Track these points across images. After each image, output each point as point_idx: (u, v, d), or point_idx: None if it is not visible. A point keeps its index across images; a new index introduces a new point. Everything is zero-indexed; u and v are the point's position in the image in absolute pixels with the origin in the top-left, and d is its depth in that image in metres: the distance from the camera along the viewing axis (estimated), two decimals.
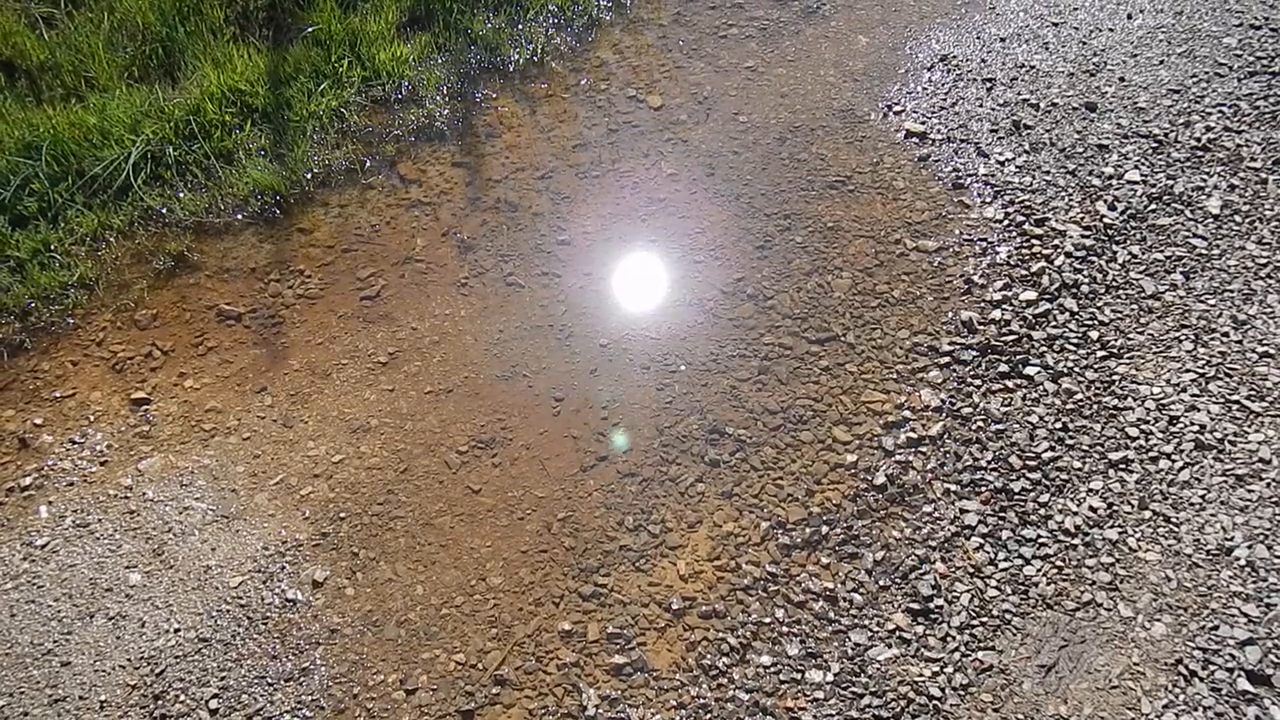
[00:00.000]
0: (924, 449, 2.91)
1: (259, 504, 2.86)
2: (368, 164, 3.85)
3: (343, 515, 2.83)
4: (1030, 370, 3.09)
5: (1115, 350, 3.13)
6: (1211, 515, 2.71)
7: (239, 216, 3.65)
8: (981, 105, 4.03)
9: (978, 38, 4.34)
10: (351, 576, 2.70)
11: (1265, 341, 3.11)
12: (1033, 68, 4.17)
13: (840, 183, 3.74)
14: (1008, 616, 2.55)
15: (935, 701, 2.41)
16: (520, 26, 4.40)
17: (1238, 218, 3.48)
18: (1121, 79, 4.06)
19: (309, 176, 3.77)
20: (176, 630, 2.60)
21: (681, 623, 2.57)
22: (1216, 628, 2.49)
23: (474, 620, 2.60)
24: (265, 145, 3.83)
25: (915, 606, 2.58)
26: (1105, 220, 3.51)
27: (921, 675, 2.46)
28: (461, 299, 3.41)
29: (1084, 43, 4.27)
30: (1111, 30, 4.30)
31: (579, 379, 3.15)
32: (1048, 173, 3.71)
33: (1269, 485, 2.76)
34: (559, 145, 3.95)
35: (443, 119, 4.03)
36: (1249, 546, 2.64)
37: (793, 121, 4.01)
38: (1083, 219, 3.52)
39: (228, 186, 3.69)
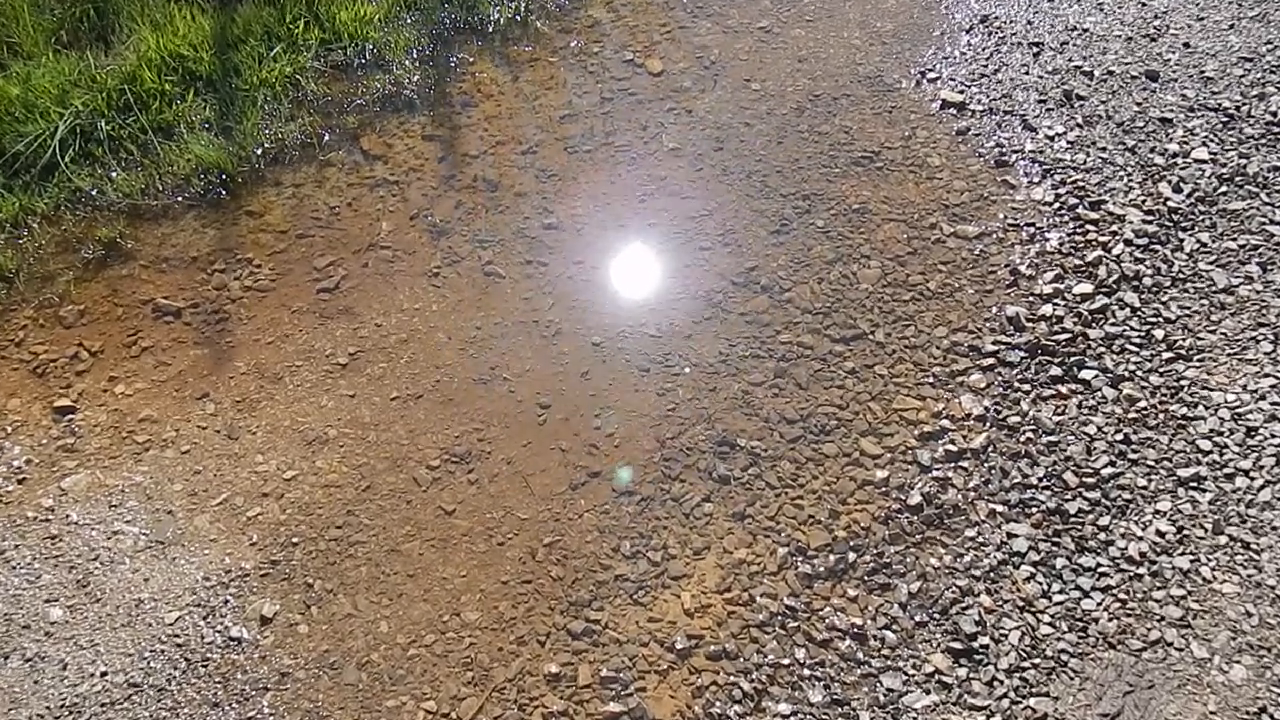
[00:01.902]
0: (965, 464, 2.90)
1: (199, 528, 2.85)
2: (326, 138, 3.87)
3: (295, 540, 2.82)
4: (1086, 374, 3.09)
5: (1183, 352, 3.11)
6: None
7: (179, 198, 3.66)
8: (1028, 73, 4.03)
9: None
10: (305, 611, 2.68)
11: None
12: (1086, 31, 4.18)
13: (867, 159, 3.76)
14: (1064, 658, 2.53)
15: None
16: None
17: None
18: (1186, 45, 4.06)
19: (259, 153, 3.79)
20: (103, 674, 2.57)
21: (687, 665, 2.56)
22: None
23: (446, 662, 2.58)
24: (210, 117, 3.84)
25: (957, 646, 2.56)
26: (1170, 204, 3.50)
27: None
28: (433, 291, 3.41)
29: (1143, 3, 4.28)
30: None
31: (568, 383, 3.15)
32: (1104, 149, 3.71)
33: None
34: (545, 116, 3.97)
35: (412, 87, 4.04)
36: None
37: (812, 89, 4.02)
38: (1144, 202, 3.52)
39: (167, 165, 3.70)
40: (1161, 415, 2.97)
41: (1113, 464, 2.88)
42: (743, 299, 3.35)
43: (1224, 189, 3.53)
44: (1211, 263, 3.33)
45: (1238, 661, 2.49)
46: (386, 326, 3.32)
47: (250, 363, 3.23)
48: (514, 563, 2.75)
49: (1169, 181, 3.57)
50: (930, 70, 4.09)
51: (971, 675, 2.51)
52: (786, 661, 2.55)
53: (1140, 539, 2.73)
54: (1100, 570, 2.68)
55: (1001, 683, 2.49)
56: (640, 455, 2.96)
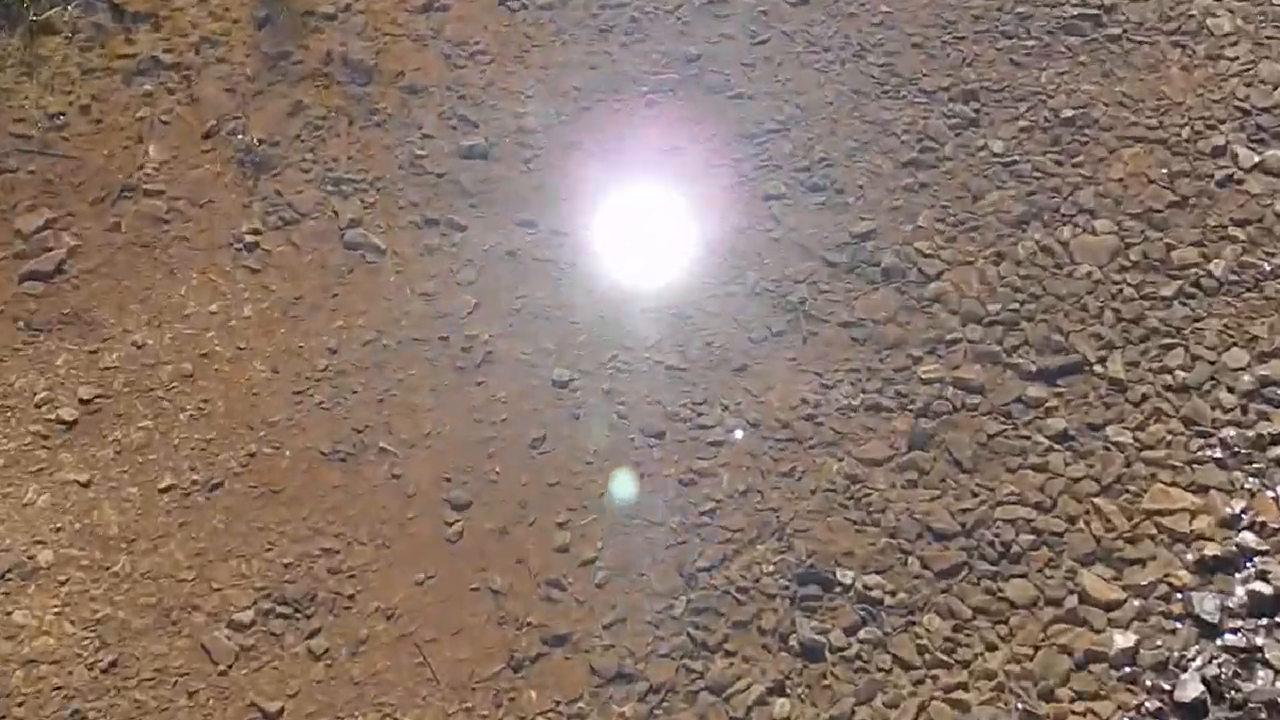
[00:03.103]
0: None
1: None
2: None
3: None
4: None
5: None
6: None
7: None
8: None
9: None
10: None
11: None
12: None
13: (1088, 21, 3.81)
14: None
15: None
16: None
17: None
18: None
19: None
20: None
21: None
22: None
23: None
24: None
25: None
26: None
27: None
28: (246, 278, 3.47)
29: None
30: None
31: (506, 460, 3.19)
32: None
33: None
34: None
35: None
36: None
37: None
38: None
39: None
40: None
41: None
42: (847, 295, 3.40)
43: None
44: None
45: None
46: (155, 347, 3.39)
47: None
48: None
49: None
50: None
51: None
52: None
53: None
54: None
55: None
56: (648, 604, 2.96)
